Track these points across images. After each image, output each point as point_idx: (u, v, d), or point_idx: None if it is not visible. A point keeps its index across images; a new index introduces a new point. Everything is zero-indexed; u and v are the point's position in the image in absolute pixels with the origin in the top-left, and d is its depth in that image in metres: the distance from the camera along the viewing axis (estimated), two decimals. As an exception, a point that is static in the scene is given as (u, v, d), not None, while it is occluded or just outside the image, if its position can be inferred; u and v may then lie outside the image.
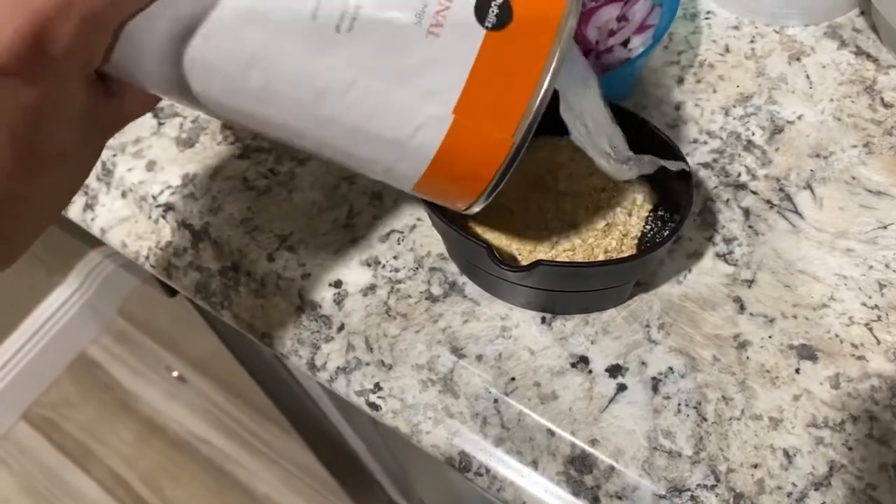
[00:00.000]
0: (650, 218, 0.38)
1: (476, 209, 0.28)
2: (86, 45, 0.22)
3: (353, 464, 1.08)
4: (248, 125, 0.26)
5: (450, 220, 0.34)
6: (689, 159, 0.41)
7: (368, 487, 1.18)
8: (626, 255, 0.36)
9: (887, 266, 0.37)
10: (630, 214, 0.37)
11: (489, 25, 0.23)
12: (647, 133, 0.36)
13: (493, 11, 0.23)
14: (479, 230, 0.37)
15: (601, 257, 0.36)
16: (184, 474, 1.39)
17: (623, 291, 0.37)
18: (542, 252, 0.36)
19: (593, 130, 0.32)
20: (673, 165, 0.34)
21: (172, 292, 0.72)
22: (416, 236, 0.41)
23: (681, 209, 0.34)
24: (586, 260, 0.36)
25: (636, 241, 0.37)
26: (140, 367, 1.51)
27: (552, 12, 0.24)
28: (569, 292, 0.36)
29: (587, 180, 0.38)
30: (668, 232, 0.35)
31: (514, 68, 0.24)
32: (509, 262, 0.35)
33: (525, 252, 0.36)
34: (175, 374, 1.49)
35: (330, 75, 0.24)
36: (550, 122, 0.28)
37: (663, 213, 0.38)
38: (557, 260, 0.36)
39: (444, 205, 0.30)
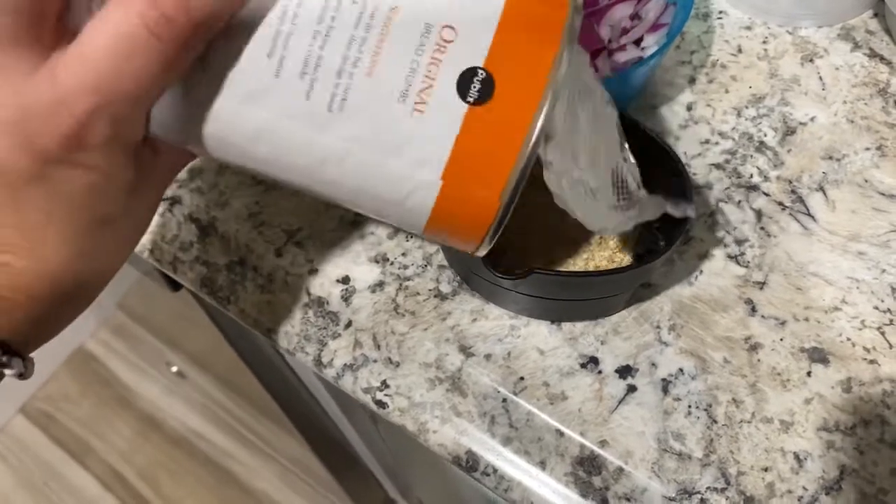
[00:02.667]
0: (652, 225, 0.37)
1: (482, 253, 0.30)
2: (123, 131, 0.25)
3: (351, 461, 1.08)
4: (262, 176, 0.29)
5: None
6: (700, 160, 0.41)
7: (366, 485, 1.18)
8: (621, 265, 0.36)
9: (900, 270, 0.37)
10: None
11: (471, 100, 0.25)
12: (647, 141, 0.36)
13: (475, 87, 0.25)
14: None
15: (597, 267, 0.36)
16: (182, 470, 1.39)
17: (618, 301, 0.36)
18: (538, 260, 0.36)
19: (591, 181, 0.31)
20: (677, 211, 0.33)
21: (176, 287, 0.72)
22: (424, 233, 0.40)
23: (679, 223, 0.34)
24: (582, 269, 0.35)
25: (633, 252, 0.36)
26: (139, 363, 1.51)
27: (535, 85, 0.25)
28: (563, 300, 0.36)
29: None
30: (665, 241, 0.35)
31: (497, 137, 0.25)
32: (504, 269, 0.35)
33: (521, 260, 0.36)
34: (174, 369, 1.49)
35: (326, 147, 0.26)
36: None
37: (665, 223, 0.37)
38: (552, 269, 0.35)
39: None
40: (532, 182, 0.26)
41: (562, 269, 0.37)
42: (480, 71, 0.24)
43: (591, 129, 0.30)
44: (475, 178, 0.26)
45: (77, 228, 0.27)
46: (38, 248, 0.26)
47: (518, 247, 0.36)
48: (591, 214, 0.31)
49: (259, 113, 0.25)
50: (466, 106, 0.25)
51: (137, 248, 0.44)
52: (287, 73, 0.25)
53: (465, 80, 0.25)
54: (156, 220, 0.44)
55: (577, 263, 0.37)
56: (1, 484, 1.40)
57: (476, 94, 0.25)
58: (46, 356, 1.46)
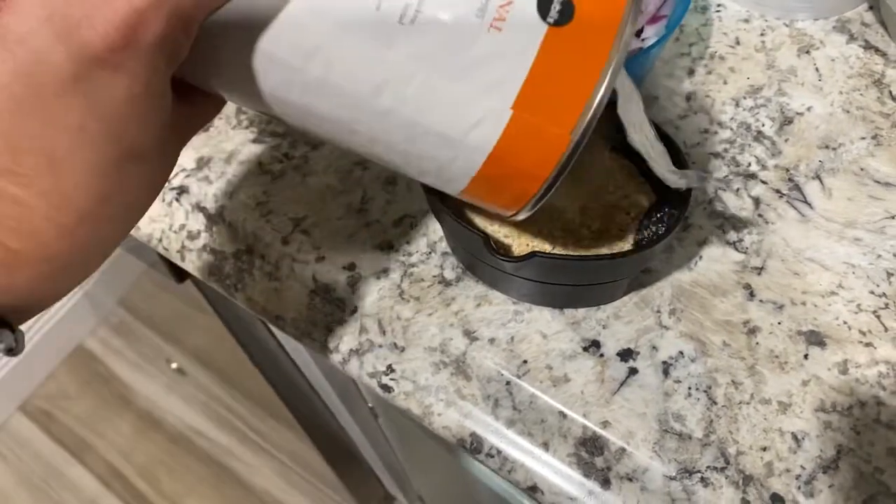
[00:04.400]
0: (652, 214, 0.38)
1: (524, 215, 0.28)
2: (174, 38, 0.22)
3: (352, 458, 1.09)
4: (301, 123, 0.26)
5: (451, 211, 0.35)
6: (699, 149, 0.42)
7: (366, 481, 1.19)
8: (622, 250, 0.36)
9: (895, 255, 0.38)
10: (628, 212, 0.37)
11: (551, 21, 0.23)
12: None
13: (555, 7, 0.24)
14: (479, 222, 0.37)
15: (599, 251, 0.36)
16: (181, 468, 1.39)
17: (618, 288, 0.37)
18: (541, 245, 0.36)
19: (646, 140, 0.32)
20: (683, 179, 0.34)
21: (181, 278, 0.72)
22: (429, 221, 0.41)
23: (679, 208, 0.34)
24: (584, 254, 0.36)
25: (634, 238, 0.37)
26: (138, 360, 1.51)
27: (613, 13, 0.24)
28: (563, 285, 0.36)
29: (590, 176, 0.38)
30: (664, 229, 0.35)
31: (575, 65, 0.24)
32: (505, 252, 0.35)
33: (523, 245, 0.37)
34: (174, 366, 1.49)
35: (390, 67, 0.24)
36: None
37: (667, 209, 0.38)
38: (553, 252, 0.36)
39: (490, 210, 0.30)
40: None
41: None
42: None
43: (631, 102, 0.29)
44: (548, 108, 0.24)
45: (108, 158, 0.23)
46: (62, 180, 0.22)
47: (515, 237, 0.37)
48: (655, 161, 0.30)
49: (322, 24, 0.23)
50: (546, 26, 0.23)
51: (144, 237, 0.45)
52: None
53: (546, 0, 0.23)
54: (164, 209, 0.44)
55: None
56: (1, 482, 1.40)
57: (557, 14, 0.23)
58: (46, 354, 1.47)
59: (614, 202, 0.37)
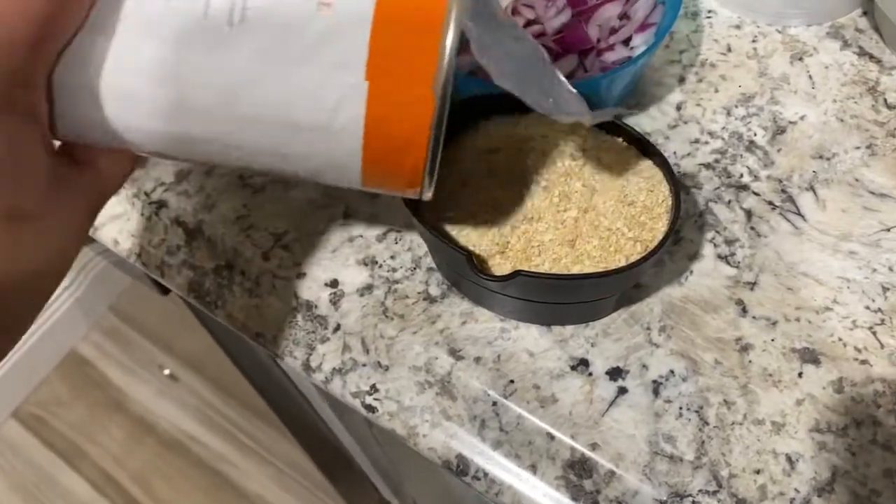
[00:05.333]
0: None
1: (428, 190, 0.27)
2: (18, 99, 0.22)
3: (346, 463, 1.08)
4: (182, 153, 0.26)
5: (435, 229, 0.34)
6: (690, 160, 0.41)
7: (360, 486, 1.18)
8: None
9: (891, 269, 0.37)
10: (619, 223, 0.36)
11: None
12: (632, 140, 0.36)
13: None
14: (464, 238, 0.36)
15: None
16: (175, 473, 1.39)
17: (607, 305, 0.36)
18: (530, 262, 0.35)
19: (520, 71, 0.30)
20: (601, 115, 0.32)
21: (165, 290, 0.71)
22: (413, 236, 0.40)
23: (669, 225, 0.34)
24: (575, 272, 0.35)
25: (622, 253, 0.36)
26: (131, 365, 1.50)
27: None
28: (551, 304, 0.36)
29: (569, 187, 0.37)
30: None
31: (415, 20, 0.23)
32: (489, 271, 0.34)
33: (514, 262, 0.35)
34: (167, 372, 1.48)
35: (235, 72, 0.23)
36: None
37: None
38: (539, 270, 0.35)
39: (400, 195, 0.29)
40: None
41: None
42: None
43: (498, 30, 0.28)
44: (400, 71, 0.24)
45: None
46: None
47: (501, 255, 0.36)
48: (524, 90, 0.29)
49: (156, 46, 0.23)
50: None
51: (123, 252, 0.44)
52: None
53: None
54: (143, 223, 0.43)
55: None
56: (-7, 489, 1.39)
57: None
58: (38, 360, 1.46)
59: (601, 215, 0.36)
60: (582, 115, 0.32)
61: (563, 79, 0.32)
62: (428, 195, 0.28)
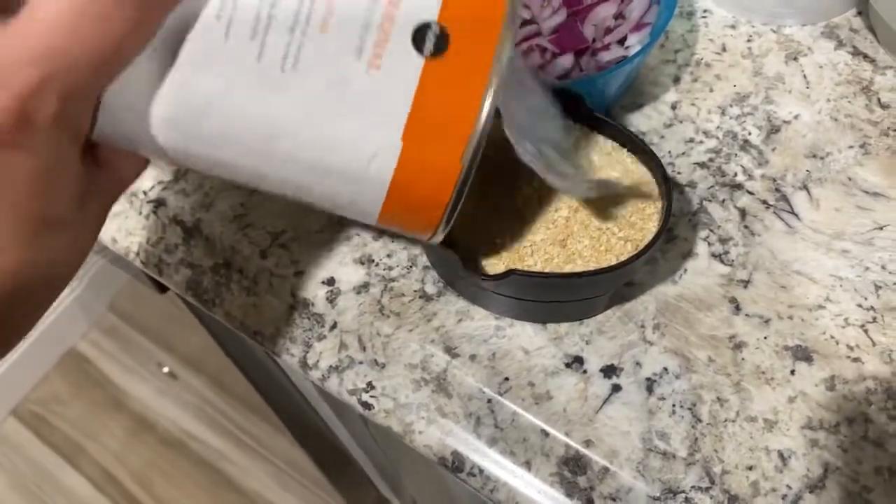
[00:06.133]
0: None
1: (438, 238, 0.29)
2: (72, 115, 0.23)
3: (344, 460, 1.08)
4: (211, 171, 0.27)
5: None
6: (685, 159, 0.41)
7: (359, 484, 1.18)
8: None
9: (883, 268, 0.37)
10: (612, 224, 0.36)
11: (427, 53, 0.24)
12: (627, 140, 0.36)
13: (430, 40, 0.24)
14: (456, 238, 0.36)
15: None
16: (175, 471, 1.39)
17: (601, 302, 0.36)
18: (523, 262, 0.35)
19: (546, 151, 0.32)
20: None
21: (163, 289, 0.72)
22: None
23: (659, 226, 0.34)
24: (567, 270, 0.35)
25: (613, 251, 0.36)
26: (131, 364, 1.50)
27: (487, 42, 0.25)
28: (545, 302, 0.36)
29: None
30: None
31: (455, 95, 0.25)
32: (483, 270, 0.34)
33: (507, 261, 0.36)
34: (166, 370, 1.48)
35: (280, 114, 0.25)
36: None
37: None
38: (533, 270, 0.35)
39: (409, 235, 0.30)
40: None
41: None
42: (435, 24, 0.24)
43: (531, 110, 0.30)
44: (435, 138, 0.25)
45: (26, 228, 0.24)
46: None
47: (497, 254, 0.36)
48: (551, 173, 0.31)
49: (209, 80, 0.24)
50: (423, 59, 0.24)
51: (121, 250, 0.44)
52: (237, 32, 0.24)
53: (420, 34, 0.24)
54: (141, 222, 0.44)
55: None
56: (-7, 487, 1.39)
57: (431, 47, 0.24)
58: (38, 358, 1.46)
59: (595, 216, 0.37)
60: (571, 188, 0.34)
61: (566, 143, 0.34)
62: (438, 240, 0.29)
